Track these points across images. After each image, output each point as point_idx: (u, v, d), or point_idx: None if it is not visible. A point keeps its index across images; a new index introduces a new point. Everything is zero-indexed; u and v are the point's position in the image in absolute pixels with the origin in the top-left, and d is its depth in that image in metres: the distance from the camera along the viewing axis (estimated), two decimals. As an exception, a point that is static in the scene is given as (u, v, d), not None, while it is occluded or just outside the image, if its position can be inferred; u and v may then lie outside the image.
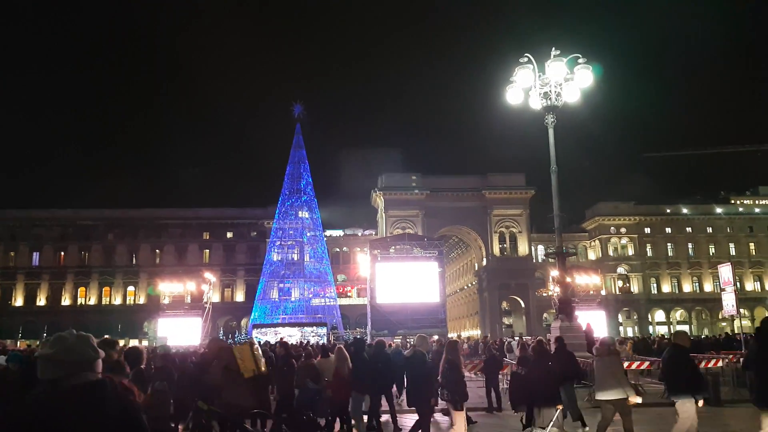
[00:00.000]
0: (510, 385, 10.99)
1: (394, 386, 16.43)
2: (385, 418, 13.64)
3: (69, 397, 2.67)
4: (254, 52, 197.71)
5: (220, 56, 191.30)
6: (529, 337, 34.74)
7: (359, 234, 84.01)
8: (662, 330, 76.72)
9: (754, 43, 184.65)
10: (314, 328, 46.28)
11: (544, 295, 71.03)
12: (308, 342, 34.90)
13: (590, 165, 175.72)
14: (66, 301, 77.35)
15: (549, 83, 21.05)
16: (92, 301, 77.80)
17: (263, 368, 8.02)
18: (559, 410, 9.43)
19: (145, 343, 58.72)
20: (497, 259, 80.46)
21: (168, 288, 49.30)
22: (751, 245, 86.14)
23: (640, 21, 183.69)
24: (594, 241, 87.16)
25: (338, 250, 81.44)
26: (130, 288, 79.03)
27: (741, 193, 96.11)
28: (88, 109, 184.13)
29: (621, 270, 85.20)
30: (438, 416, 11.50)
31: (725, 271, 21.09)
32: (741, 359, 19.23)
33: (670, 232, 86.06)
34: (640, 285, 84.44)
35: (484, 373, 17.04)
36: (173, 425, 9.30)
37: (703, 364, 18.49)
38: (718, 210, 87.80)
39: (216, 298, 69.11)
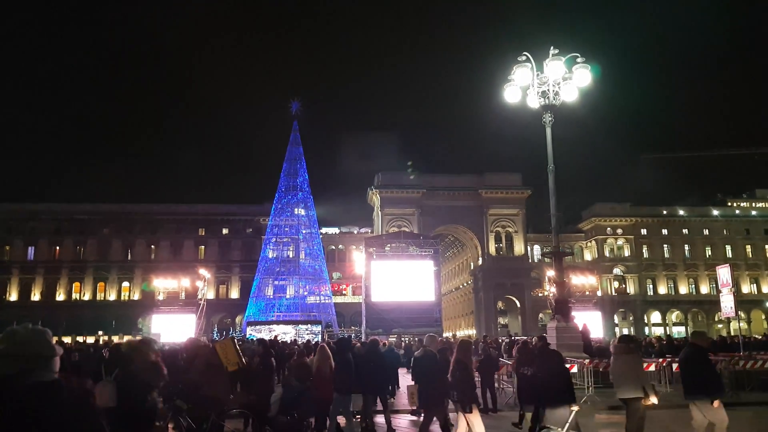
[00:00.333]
0: (517, 386, 10.85)
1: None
2: (381, 419, 13.46)
3: (19, 398, 2.40)
4: (252, 49, 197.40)
5: (216, 52, 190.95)
6: (524, 337, 34.62)
7: (355, 232, 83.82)
8: (658, 331, 76.60)
9: (752, 46, 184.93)
10: (309, 326, 46.07)
11: (540, 295, 70.91)
12: (294, 340, 34.70)
13: (587, 165, 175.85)
14: (60, 296, 76.98)
15: (547, 82, 20.88)
16: (87, 296, 77.38)
17: (245, 362, 7.93)
18: (574, 411, 9.24)
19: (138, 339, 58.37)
20: (493, 259, 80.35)
21: (163, 284, 49.28)
22: (748, 247, 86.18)
23: (639, 22, 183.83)
24: (590, 241, 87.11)
25: (334, 247, 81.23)
26: (125, 283, 78.70)
27: (738, 195, 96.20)
28: (85, 104, 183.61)
29: (617, 271, 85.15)
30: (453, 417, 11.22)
31: (724, 272, 20.92)
32: (740, 361, 19.12)
33: (666, 233, 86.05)
34: (636, 286, 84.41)
35: (479, 373, 16.85)
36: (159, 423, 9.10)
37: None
38: (715, 212, 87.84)
39: (211, 294, 68.96)
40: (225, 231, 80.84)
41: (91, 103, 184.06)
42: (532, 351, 14.17)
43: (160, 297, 48.41)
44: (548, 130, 21.42)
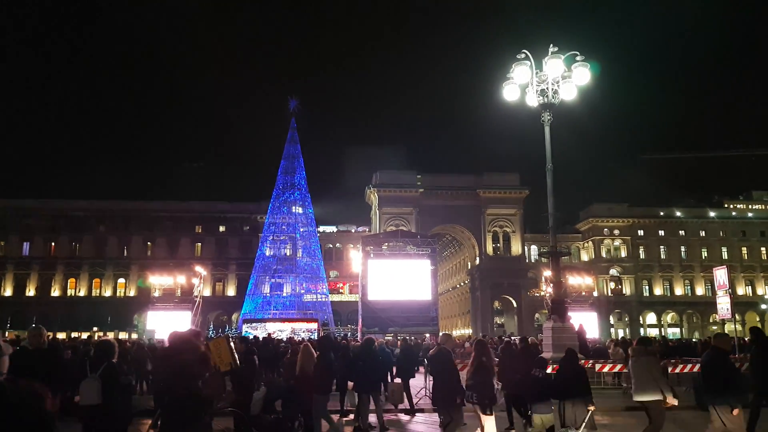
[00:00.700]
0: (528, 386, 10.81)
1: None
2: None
3: None
4: (250, 46, 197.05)
5: (214, 48, 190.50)
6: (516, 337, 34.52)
7: (352, 230, 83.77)
8: (653, 332, 76.71)
9: (751, 47, 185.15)
10: (305, 324, 45.91)
11: (537, 295, 71.00)
12: (290, 338, 34.51)
13: (585, 166, 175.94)
14: (56, 292, 76.77)
15: (546, 80, 20.79)
16: (82, 292, 77.22)
17: (238, 362, 7.76)
18: (591, 410, 9.18)
19: (134, 336, 58.38)
20: (490, 259, 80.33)
21: (159, 281, 49.09)
22: (744, 249, 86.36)
23: (636, 24, 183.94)
24: (587, 242, 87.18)
25: (331, 246, 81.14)
26: (121, 280, 78.55)
27: (734, 197, 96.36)
28: (81, 100, 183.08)
29: (613, 272, 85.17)
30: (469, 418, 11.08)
31: (721, 273, 20.85)
32: (736, 363, 19.02)
33: (663, 234, 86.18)
34: (632, 287, 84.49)
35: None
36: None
37: (693, 369, 18.29)
38: (712, 214, 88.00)
39: (207, 292, 68.79)
40: (222, 228, 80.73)
41: (88, 100, 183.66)
42: (511, 352, 14.10)
43: (156, 294, 48.26)
44: (547, 129, 21.34)
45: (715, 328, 77.02)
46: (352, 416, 15.07)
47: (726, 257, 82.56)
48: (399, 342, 26.09)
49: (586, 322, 29.62)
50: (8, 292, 75.95)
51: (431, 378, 12.28)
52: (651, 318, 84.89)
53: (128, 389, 8.00)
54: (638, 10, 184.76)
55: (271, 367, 18.31)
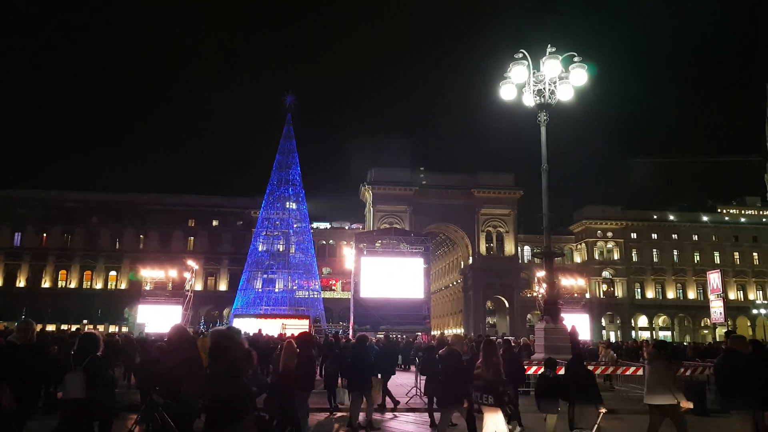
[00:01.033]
0: (537, 388, 10.80)
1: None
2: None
3: None
4: (246, 41, 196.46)
5: (210, 43, 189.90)
6: (513, 338, 34.49)
7: (346, 227, 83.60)
8: (644, 335, 76.91)
9: (747, 51, 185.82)
10: (296, 320, 45.69)
11: (529, 295, 71.01)
12: (281, 334, 34.34)
13: (579, 167, 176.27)
14: (46, 283, 76.37)
15: (543, 80, 20.69)
16: (73, 284, 76.85)
17: None
18: (602, 413, 9.13)
19: (125, 329, 58.08)
20: (483, 258, 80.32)
21: (150, 274, 48.81)
22: (736, 254, 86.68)
23: (632, 27, 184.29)
24: (580, 244, 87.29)
25: (324, 242, 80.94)
26: (112, 273, 78.20)
27: (727, 202, 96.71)
28: (76, 93, 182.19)
29: (606, 274, 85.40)
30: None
31: (714, 277, 20.89)
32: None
33: (656, 238, 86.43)
34: (624, 290, 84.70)
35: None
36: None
37: (688, 372, 18.25)
38: (705, 218, 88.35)
39: (199, 286, 68.50)
40: (215, 223, 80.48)
41: (83, 93, 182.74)
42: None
43: (147, 287, 47.97)
44: (543, 130, 21.25)
45: (706, 332, 77.35)
46: (340, 414, 14.97)
47: (718, 262, 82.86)
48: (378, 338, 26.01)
49: (578, 324, 29.53)
50: (-2, 282, 75.45)
51: (421, 375, 12.17)
52: (642, 321, 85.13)
53: (112, 383, 7.85)
54: (635, 13, 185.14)
55: (261, 363, 18.19)
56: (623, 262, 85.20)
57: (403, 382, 19.92)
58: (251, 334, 25.87)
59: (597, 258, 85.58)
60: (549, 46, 20.47)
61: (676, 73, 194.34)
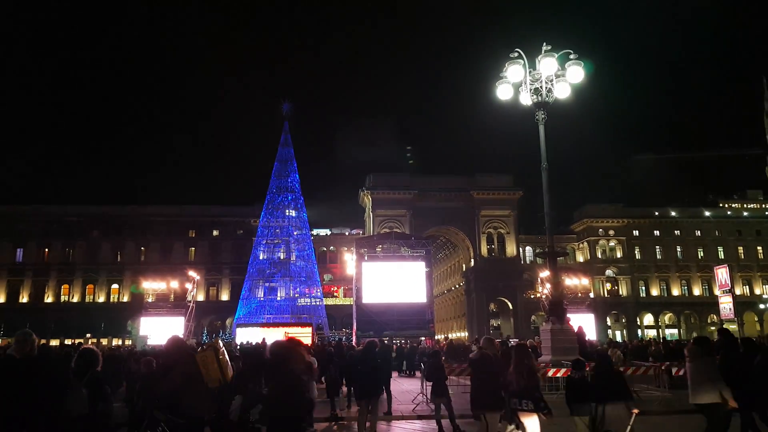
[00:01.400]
0: (567, 390, 10.57)
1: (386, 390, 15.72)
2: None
3: None
4: (243, 49, 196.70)
5: (207, 52, 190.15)
6: (515, 339, 34.19)
7: (346, 233, 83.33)
8: (651, 333, 76.39)
9: (745, 46, 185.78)
10: (299, 328, 45.46)
11: (532, 296, 70.61)
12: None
13: (578, 166, 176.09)
14: (49, 298, 76.26)
15: (540, 79, 20.47)
16: (75, 298, 76.71)
17: (230, 376, 7.17)
18: (634, 414, 8.85)
19: (128, 342, 57.92)
20: (485, 260, 79.98)
21: (152, 286, 48.79)
22: (740, 249, 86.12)
23: (629, 23, 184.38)
24: (582, 243, 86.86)
25: (325, 249, 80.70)
26: (114, 286, 78.05)
27: (729, 196, 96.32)
28: (75, 105, 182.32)
29: (609, 272, 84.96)
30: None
31: (722, 272, 20.55)
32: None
33: (658, 234, 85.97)
34: (629, 288, 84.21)
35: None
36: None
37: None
38: (707, 213, 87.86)
39: (201, 297, 68.32)
40: (215, 232, 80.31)
41: (82, 104, 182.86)
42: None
43: (149, 299, 47.87)
44: (541, 128, 21.01)
45: (713, 328, 76.84)
46: (338, 423, 14.75)
47: (722, 257, 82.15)
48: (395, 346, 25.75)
49: (584, 324, 29.27)
50: (1, 298, 75.44)
51: (427, 381, 11.92)
52: (648, 319, 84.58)
53: (110, 399, 7.64)
54: (632, 9, 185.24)
55: (257, 373, 17.90)
56: (626, 260, 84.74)
57: (409, 389, 19.68)
58: (254, 344, 25.62)
59: (599, 257, 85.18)
60: (544, 44, 20.27)
61: (674, 67, 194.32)
